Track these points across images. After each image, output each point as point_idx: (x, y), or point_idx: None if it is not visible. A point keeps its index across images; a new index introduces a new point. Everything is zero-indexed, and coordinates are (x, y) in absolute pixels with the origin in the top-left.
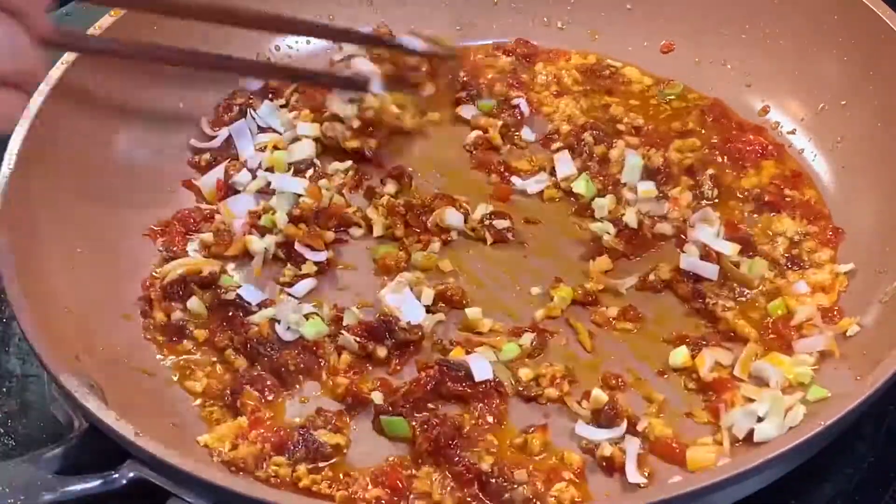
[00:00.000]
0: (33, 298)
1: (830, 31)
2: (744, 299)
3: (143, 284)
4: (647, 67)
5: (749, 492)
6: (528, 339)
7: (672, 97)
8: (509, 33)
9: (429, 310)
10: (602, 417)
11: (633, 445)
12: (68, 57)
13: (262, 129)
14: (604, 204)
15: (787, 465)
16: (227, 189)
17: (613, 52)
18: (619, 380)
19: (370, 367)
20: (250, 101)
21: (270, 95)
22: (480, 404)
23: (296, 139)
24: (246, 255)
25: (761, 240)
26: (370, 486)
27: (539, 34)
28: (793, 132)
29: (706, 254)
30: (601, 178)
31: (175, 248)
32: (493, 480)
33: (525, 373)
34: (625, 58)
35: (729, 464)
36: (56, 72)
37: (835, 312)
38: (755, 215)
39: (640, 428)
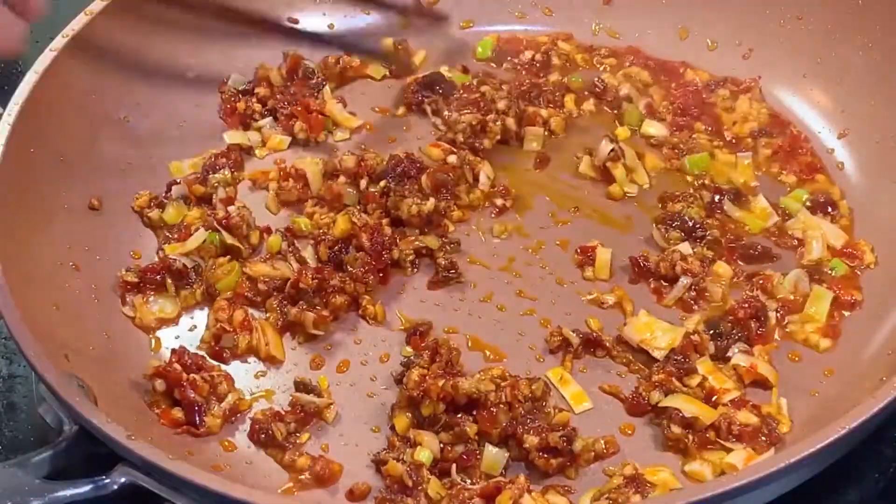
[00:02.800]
0: (20, 295)
1: (854, 17)
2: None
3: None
4: (662, 52)
5: (773, 496)
6: None
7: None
8: (515, 19)
9: None
10: None
11: None
12: (55, 44)
13: None
14: None
15: (810, 469)
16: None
17: (627, 36)
18: None
19: None
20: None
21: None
22: None
23: None
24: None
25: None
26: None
27: (547, 19)
28: (812, 120)
29: None
30: None
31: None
32: None
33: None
34: (639, 41)
35: (750, 468)
36: (44, 59)
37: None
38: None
39: None
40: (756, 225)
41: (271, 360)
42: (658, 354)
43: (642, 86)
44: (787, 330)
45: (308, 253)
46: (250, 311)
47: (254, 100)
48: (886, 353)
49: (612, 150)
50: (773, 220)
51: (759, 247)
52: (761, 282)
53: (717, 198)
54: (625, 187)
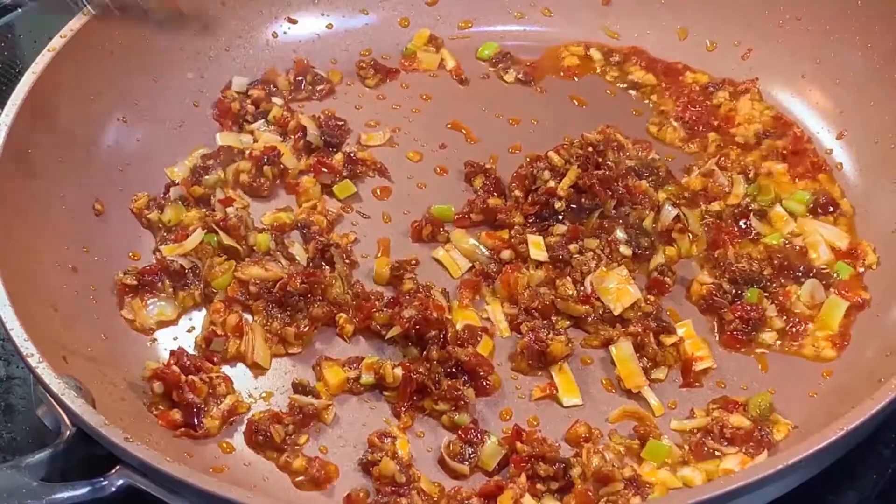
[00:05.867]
0: (18, 296)
1: (854, 17)
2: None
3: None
4: (661, 52)
5: (772, 497)
6: None
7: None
8: (515, 20)
9: None
10: None
11: None
12: (54, 45)
13: None
14: None
15: (808, 470)
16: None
17: (627, 36)
18: None
19: None
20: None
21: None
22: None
23: None
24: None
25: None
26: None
27: (546, 19)
28: (811, 121)
29: None
30: None
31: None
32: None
33: None
34: (638, 41)
35: (749, 469)
36: (42, 59)
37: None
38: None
39: None
40: (777, 238)
41: (256, 368)
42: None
43: (648, 89)
44: (799, 344)
45: (297, 249)
46: (245, 315)
47: (248, 101)
48: (885, 355)
49: (676, 216)
50: (790, 227)
51: (792, 260)
52: (780, 298)
53: (744, 223)
54: (685, 252)
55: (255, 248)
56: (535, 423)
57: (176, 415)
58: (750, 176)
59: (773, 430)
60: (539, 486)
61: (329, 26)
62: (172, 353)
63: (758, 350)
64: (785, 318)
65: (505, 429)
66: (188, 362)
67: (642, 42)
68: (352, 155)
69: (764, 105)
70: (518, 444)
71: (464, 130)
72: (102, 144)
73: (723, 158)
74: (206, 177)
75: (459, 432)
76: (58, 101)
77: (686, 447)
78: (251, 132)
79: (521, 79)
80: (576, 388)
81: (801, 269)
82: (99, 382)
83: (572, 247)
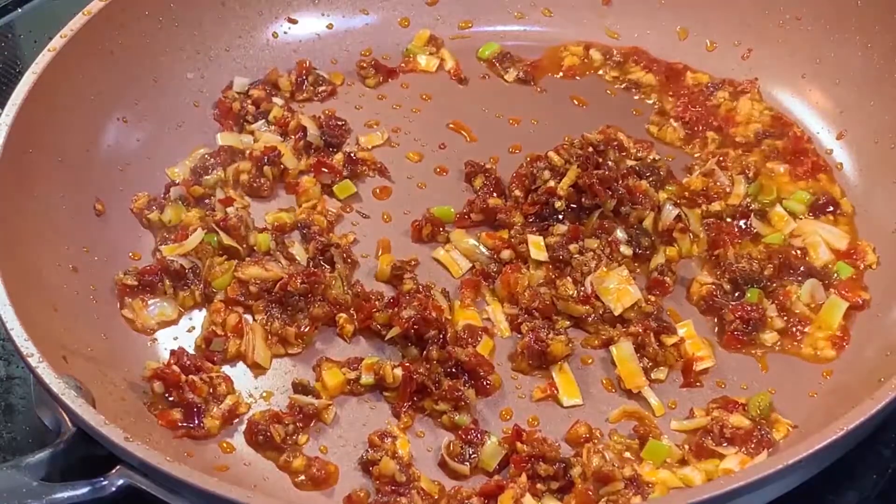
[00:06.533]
0: (18, 296)
1: (853, 17)
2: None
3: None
4: (661, 52)
5: (772, 497)
6: None
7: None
8: (515, 20)
9: None
10: None
11: None
12: (54, 45)
13: None
14: None
15: (808, 470)
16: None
17: (627, 36)
18: None
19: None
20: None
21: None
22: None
23: None
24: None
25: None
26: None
27: (546, 20)
28: (811, 121)
29: None
30: None
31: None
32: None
33: None
34: (639, 41)
35: (750, 468)
36: (43, 59)
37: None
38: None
39: None
40: (777, 238)
41: (256, 368)
42: None
43: (648, 89)
44: (799, 344)
45: (297, 249)
46: (245, 315)
47: (249, 101)
48: (885, 355)
49: (677, 216)
50: (790, 227)
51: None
52: (780, 298)
53: (744, 223)
54: (685, 252)
55: (255, 248)
56: (535, 423)
57: (176, 415)
58: (750, 176)
59: (773, 430)
60: (539, 485)
61: (329, 26)
62: (172, 352)
63: (758, 350)
64: (785, 318)
65: (505, 429)
66: (188, 362)
67: (642, 42)
68: (352, 155)
69: (764, 105)
70: (518, 444)
71: (464, 130)
72: (102, 144)
73: (723, 158)
74: (206, 177)
75: (459, 432)
76: (58, 101)
77: (686, 447)
78: (251, 132)
79: (521, 79)
80: (576, 388)
81: (801, 269)
82: (99, 382)
83: (572, 247)
